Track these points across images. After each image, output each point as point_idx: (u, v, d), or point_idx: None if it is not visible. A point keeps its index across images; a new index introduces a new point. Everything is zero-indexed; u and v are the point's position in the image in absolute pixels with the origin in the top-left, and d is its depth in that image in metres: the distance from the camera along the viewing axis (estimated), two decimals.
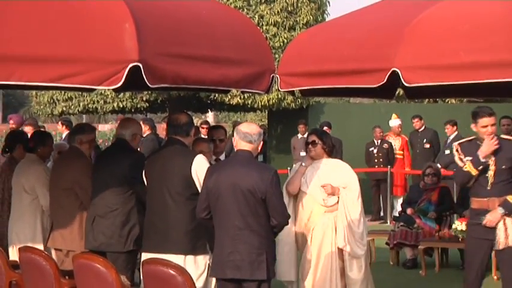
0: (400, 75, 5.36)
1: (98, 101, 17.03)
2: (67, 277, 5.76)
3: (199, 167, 5.66)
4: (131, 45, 4.89)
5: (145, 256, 5.70)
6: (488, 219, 6.26)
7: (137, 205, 6.24)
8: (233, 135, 5.50)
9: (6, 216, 7.36)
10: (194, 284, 4.98)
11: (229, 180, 5.25)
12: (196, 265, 5.68)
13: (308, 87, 6.49)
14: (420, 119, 14.90)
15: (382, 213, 15.08)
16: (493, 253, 6.83)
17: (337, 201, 6.59)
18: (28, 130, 10.59)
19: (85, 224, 6.46)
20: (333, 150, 6.88)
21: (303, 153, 12.52)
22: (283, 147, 17.14)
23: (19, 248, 6.08)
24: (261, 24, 16.16)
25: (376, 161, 14.91)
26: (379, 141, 15.01)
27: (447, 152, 13.72)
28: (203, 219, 5.42)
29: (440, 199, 10.20)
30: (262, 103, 16.57)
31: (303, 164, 6.71)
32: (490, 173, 6.29)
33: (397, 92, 8.11)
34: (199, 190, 5.53)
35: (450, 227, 9.67)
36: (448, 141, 13.86)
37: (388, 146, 14.92)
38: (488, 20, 5.34)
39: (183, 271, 4.99)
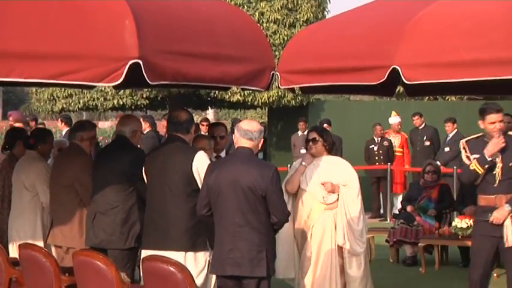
0: (401, 72, 5.35)
1: (98, 98, 17.01)
2: (67, 274, 5.77)
3: (200, 163, 5.65)
4: (131, 42, 4.89)
5: (145, 253, 5.68)
6: (495, 217, 6.20)
7: (138, 202, 6.25)
8: (232, 133, 5.49)
9: (6, 213, 7.36)
10: (194, 281, 4.98)
11: (229, 177, 5.25)
12: (197, 262, 5.67)
13: (308, 85, 6.47)
14: (420, 116, 14.88)
15: (382, 211, 15.05)
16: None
17: (337, 199, 6.59)
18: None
19: (86, 221, 6.46)
20: (333, 148, 6.88)
21: (303, 151, 12.54)
22: (284, 145, 17.13)
23: (19, 245, 6.08)
24: (261, 21, 16.14)
25: (376, 158, 14.90)
26: (379, 138, 14.99)
27: (447, 149, 13.75)
28: (204, 216, 5.42)
29: (440, 196, 10.20)
30: (263, 100, 16.55)
31: (303, 163, 6.70)
32: (497, 170, 6.24)
33: (397, 90, 8.11)
34: (200, 187, 5.53)
35: (450, 224, 9.65)
36: (448, 138, 13.87)
37: (388, 143, 14.90)
38: (489, 17, 5.32)
39: (183, 268, 4.99)
